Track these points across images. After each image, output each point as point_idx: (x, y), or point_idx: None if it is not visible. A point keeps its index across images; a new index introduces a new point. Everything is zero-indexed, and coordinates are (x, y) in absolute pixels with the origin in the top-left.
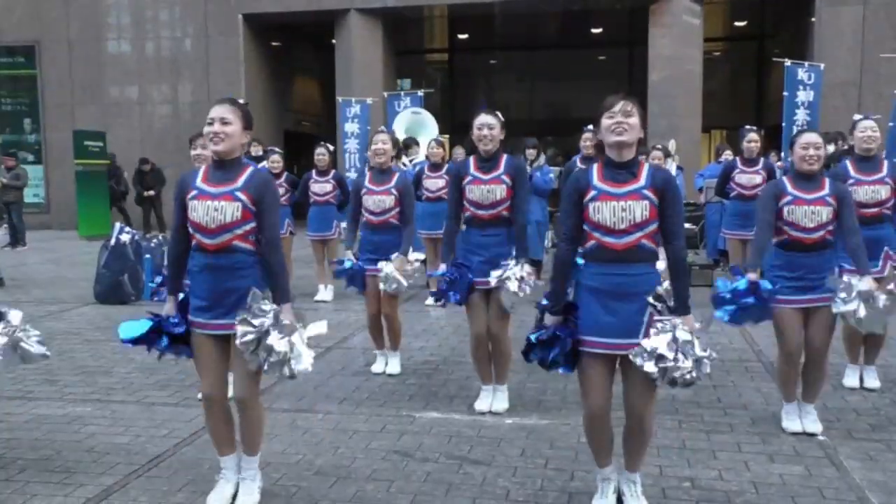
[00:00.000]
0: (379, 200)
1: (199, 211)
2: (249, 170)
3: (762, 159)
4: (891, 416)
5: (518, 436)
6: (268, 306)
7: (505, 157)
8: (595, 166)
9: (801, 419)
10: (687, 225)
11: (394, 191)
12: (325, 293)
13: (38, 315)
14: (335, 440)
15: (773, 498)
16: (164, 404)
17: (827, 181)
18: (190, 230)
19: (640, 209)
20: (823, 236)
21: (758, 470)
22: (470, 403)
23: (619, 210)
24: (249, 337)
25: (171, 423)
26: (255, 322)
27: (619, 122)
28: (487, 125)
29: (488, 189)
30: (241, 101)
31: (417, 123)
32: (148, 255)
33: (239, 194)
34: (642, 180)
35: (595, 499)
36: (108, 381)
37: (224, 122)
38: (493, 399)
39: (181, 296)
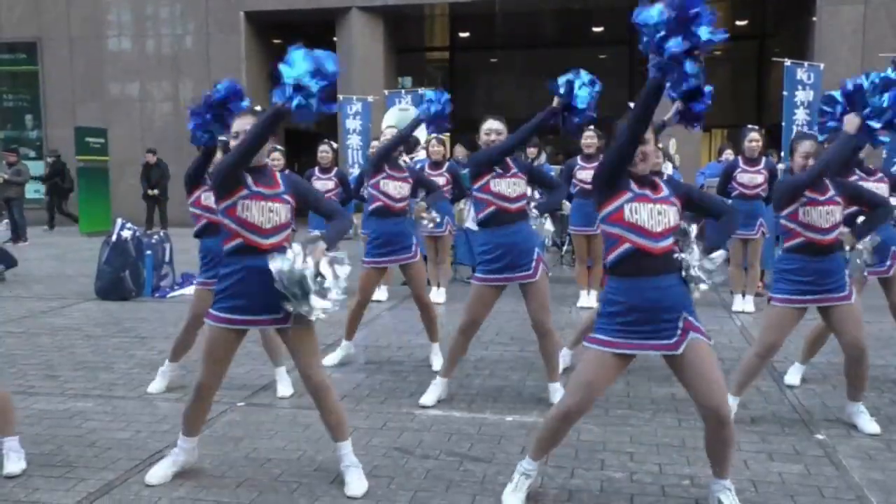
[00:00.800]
0: (399, 187)
1: (254, 210)
2: (278, 173)
3: (764, 159)
4: (890, 415)
5: (518, 433)
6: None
7: (513, 160)
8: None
9: (856, 421)
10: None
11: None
12: None
13: (39, 311)
14: None
15: (773, 496)
16: (165, 400)
17: (829, 183)
18: (239, 230)
19: (672, 213)
20: (836, 237)
21: (757, 468)
22: (471, 401)
23: (655, 213)
24: (284, 265)
25: (172, 419)
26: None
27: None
28: (496, 131)
29: (514, 182)
30: (258, 108)
31: (406, 120)
32: (149, 252)
33: (286, 196)
34: (665, 191)
35: (509, 491)
36: (109, 377)
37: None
38: (551, 396)
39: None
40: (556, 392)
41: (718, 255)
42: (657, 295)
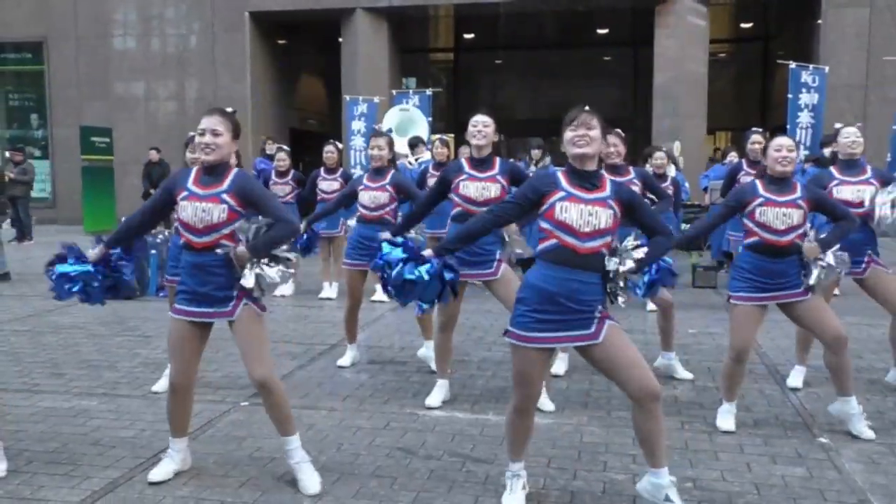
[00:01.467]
0: (374, 196)
1: (189, 211)
2: (233, 172)
3: None
4: (894, 419)
5: None
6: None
7: (498, 159)
8: (560, 172)
9: (851, 425)
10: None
11: (388, 188)
12: (329, 290)
13: (44, 309)
14: (339, 437)
15: (775, 499)
16: None
17: (799, 185)
18: (179, 229)
19: (605, 217)
20: (793, 240)
21: (760, 471)
22: (474, 402)
23: (585, 213)
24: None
25: None
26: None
27: (582, 134)
28: (482, 122)
29: (483, 186)
30: (229, 109)
31: (407, 120)
32: (153, 251)
33: (225, 196)
34: (607, 190)
35: (507, 495)
36: (114, 375)
37: (215, 133)
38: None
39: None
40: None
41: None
42: (577, 287)
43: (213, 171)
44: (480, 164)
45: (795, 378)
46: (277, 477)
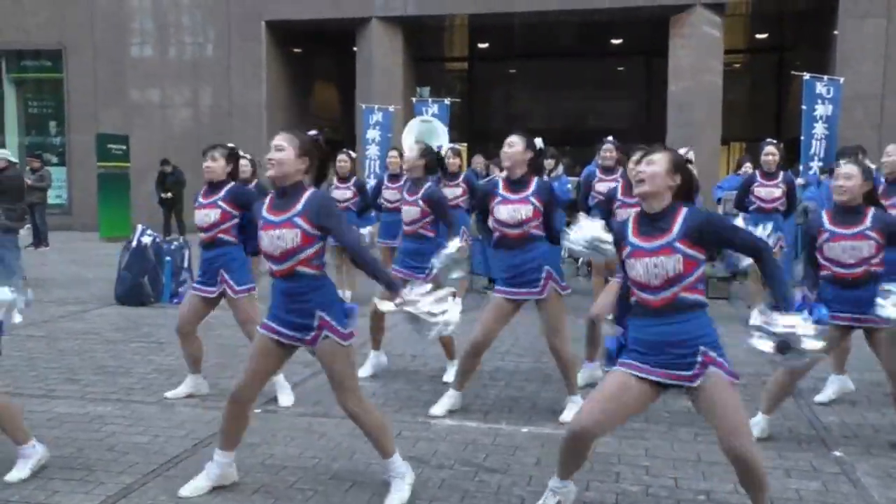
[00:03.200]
0: (408, 210)
1: (265, 241)
2: (308, 194)
3: (782, 172)
4: None
5: (533, 444)
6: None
7: (535, 179)
8: (631, 219)
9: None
10: None
11: (420, 202)
12: (343, 299)
13: (59, 315)
14: (351, 445)
15: None
16: (184, 405)
17: (870, 213)
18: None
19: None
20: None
21: (774, 484)
22: (486, 411)
23: (511, 210)
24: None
25: (189, 424)
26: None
27: (641, 171)
28: (507, 142)
29: (514, 208)
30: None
31: (428, 132)
32: (168, 258)
33: (297, 220)
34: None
35: None
36: (128, 382)
37: (278, 148)
38: (566, 410)
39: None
40: (572, 405)
41: None
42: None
43: (285, 194)
44: (514, 185)
45: (828, 392)
46: (289, 485)
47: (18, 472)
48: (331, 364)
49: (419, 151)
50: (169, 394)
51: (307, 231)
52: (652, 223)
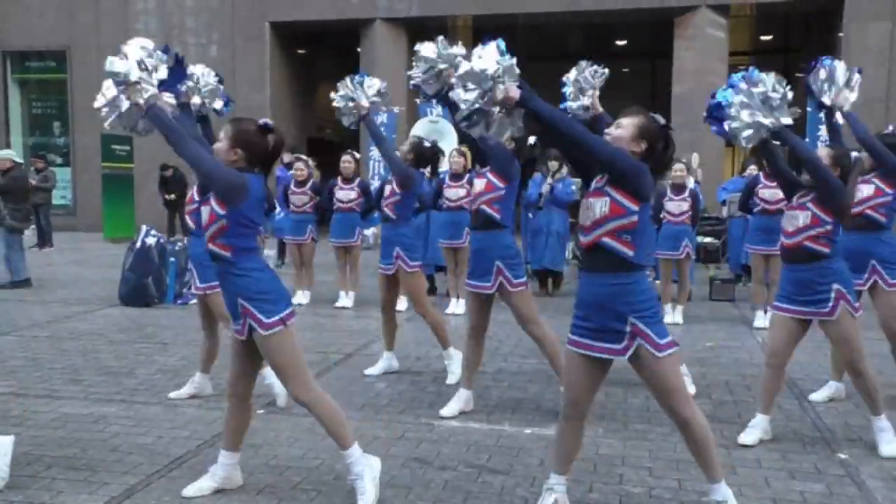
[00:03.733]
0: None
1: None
2: None
3: None
4: None
5: (537, 445)
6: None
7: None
8: None
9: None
10: (709, 239)
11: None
12: (345, 300)
13: (63, 315)
14: None
15: None
16: (187, 406)
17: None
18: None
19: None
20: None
21: (778, 486)
22: (489, 413)
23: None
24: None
25: (193, 425)
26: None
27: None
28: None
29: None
30: (266, 121)
31: (436, 132)
32: (172, 259)
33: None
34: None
35: None
36: (132, 382)
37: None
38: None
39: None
40: None
41: None
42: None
43: None
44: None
45: (822, 393)
46: (293, 485)
47: None
48: (269, 357)
49: (410, 145)
50: (172, 394)
51: (215, 210)
52: None
